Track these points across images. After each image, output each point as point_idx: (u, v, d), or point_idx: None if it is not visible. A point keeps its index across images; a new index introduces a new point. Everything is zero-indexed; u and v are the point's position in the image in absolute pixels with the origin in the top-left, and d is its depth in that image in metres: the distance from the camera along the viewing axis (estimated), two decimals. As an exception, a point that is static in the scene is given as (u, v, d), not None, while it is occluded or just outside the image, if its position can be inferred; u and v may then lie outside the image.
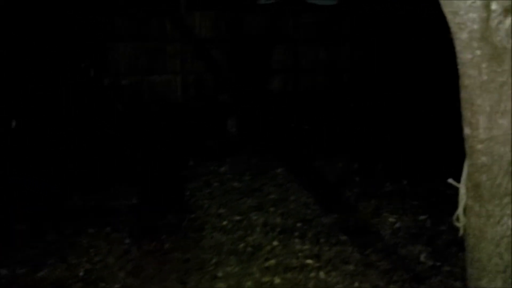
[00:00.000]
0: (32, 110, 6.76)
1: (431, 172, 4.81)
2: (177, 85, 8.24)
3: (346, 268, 3.27)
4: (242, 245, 3.69)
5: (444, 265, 3.25)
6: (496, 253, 1.95)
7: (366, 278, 3.15)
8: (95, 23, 7.64)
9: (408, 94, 7.82)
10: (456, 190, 2.04)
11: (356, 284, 3.09)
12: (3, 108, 6.40)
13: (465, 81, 1.77)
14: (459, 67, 1.76)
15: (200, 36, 8.41)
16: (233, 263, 3.41)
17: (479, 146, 1.83)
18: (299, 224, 3.95)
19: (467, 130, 1.85)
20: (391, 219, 3.95)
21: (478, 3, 1.61)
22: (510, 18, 1.62)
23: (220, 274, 3.29)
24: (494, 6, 1.61)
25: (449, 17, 1.68)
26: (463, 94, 1.80)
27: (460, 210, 2.07)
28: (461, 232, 2.10)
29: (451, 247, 3.40)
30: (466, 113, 1.82)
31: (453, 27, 1.69)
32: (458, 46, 1.71)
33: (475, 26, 1.64)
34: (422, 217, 3.91)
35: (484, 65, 1.69)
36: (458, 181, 2.04)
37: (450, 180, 2.10)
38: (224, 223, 4.10)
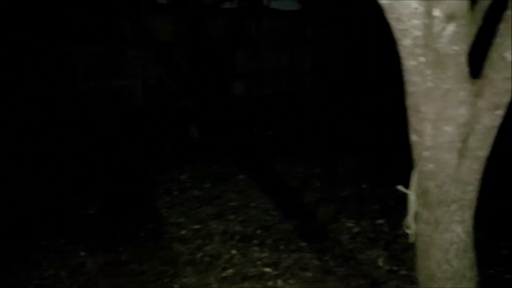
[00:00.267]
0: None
1: (390, 176, 4.86)
2: (137, 89, 8.09)
3: (305, 275, 3.24)
4: (200, 255, 3.61)
5: (401, 270, 3.27)
6: (445, 259, 1.95)
7: (324, 284, 3.13)
8: (54, 27, 7.42)
9: (370, 97, 7.92)
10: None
11: (314, 291, 3.06)
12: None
13: (410, 88, 1.76)
14: (404, 73, 1.75)
15: (161, 40, 8.29)
16: (190, 274, 3.33)
17: (426, 153, 1.82)
18: (258, 231, 3.90)
19: (413, 137, 1.84)
20: (350, 224, 3.95)
21: (421, 9, 1.60)
22: (452, 25, 1.62)
23: (176, 286, 3.20)
24: (436, 12, 1.60)
25: (393, 23, 1.66)
26: (409, 101, 1.79)
27: (410, 217, 2.07)
28: (411, 239, 2.10)
29: (408, 252, 3.42)
30: (412, 120, 1.82)
31: (397, 34, 1.68)
32: (402, 53, 1.70)
33: (418, 33, 1.63)
34: (379, 221, 3.93)
35: (428, 72, 1.69)
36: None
37: (399, 187, 2.10)
38: (183, 232, 4.01)
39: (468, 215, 1.90)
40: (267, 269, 3.35)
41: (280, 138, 6.75)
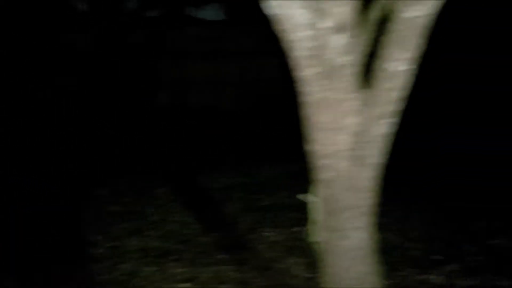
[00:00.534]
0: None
1: (308, 183, 4.93)
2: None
3: (222, 288, 3.20)
4: (116, 273, 3.46)
5: (318, 276, 3.30)
6: (347, 266, 1.98)
7: (242, 297, 3.10)
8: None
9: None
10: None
11: (232, 304, 3.02)
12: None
13: (303, 98, 1.77)
14: (297, 84, 1.77)
15: (82, 50, 7.99)
16: (103, 295, 3.17)
17: (322, 162, 1.85)
18: (177, 246, 3.80)
19: (309, 146, 1.86)
20: (268, 233, 3.96)
21: (309, 21, 1.62)
22: (341, 36, 1.65)
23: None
24: (325, 24, 1.62)
25: (282, 35, 1.67)
26: (303, 111, 1.81)
27: (312, 226, 2.09)
28: (316, 247, 2.12)
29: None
30: (307, 130, 1.83)
31: (287, 45, 1.69)
32: (294, 64, 1.72)
33: (308, 44, 1.65)
34: (296, 229, 3.97)
35: (319, 83, 1.71)
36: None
37: (300, 196, 2.12)
38: (100, 251, 3.82)
39: (367, 221, 1.94)
40: (185, 285, 3.27)
41: (202, 148, 6.67)
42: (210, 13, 10.06)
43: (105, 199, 4.93)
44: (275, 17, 1.63)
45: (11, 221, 4.34)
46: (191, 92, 8.83)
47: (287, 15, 1.60)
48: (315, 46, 1.64)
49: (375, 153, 1.82)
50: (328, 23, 1.60)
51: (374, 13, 1.80)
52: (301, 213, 4.25)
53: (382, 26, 1.71)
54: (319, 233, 2.05)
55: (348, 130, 1.77)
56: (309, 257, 3.53)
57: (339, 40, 1.63)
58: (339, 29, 1.61)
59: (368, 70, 1.80)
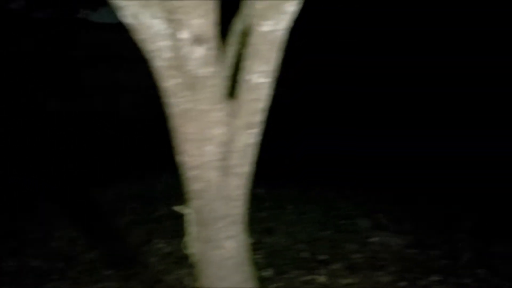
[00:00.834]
0: None
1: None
2: None
3: (108, 306, 3.06)
4: (-11, 299, 3.17)
5: None
6: (221, 276, 1.98)
7: (128, 313, 2.98)
8: None
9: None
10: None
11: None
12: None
13: (169, 109, 1.75)
14: (162, 95, 1.74)
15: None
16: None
17: (191, 173, 1.83)
18: (60, 265, 3.57)
19: (179, 158, 1.84)
20: (161, 245, 3.88)
21: (167, 31, 1.60)
22: (201, 48, 1.65)
23: None
24: (183, 35, 1.61)
25: (141, 45, 1.63)
26: (171, 123, 1.78)
27: (188, 236, 2.06)
28: (192, 259, 2.10)
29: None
30: (176, 141, 1.81)
31: (148, 55, 1.65)
32: (156, 75, 1.68)
33: (168, 55, 1.63)
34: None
35: (183, 94, 1.69)
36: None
37: (175, 207, 2.09)
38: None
39: (239, 230, 1.96)
40: (66, 305, 3.08)
41: (93, 158, 6.37)
42: (105, 16, 9.68)
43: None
44: (132, 26, 1.58)
45: None
46: (85, 98, 8.41)
47: (143, 24, 1.56)
48: (175, 57, 1.62)
49: (243, 162, 1.84)
50: (186, 34, 1.59)
51: (237, 26, 1.83)
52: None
53: (244, 38, 1.74)
54: (193, 244, 2.03)
55: (215, 140, 1.77)
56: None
57: (199, 52, 1.62)
58: (197, 40, 1.60)
59: (234, 82, 1.82)
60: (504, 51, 6.69)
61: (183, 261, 3.62)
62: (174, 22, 1.58)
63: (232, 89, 1.84)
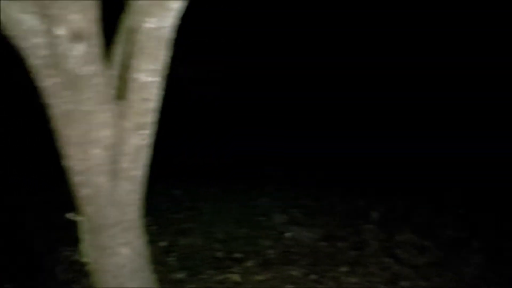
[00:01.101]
0: None
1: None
2: None
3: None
4: None
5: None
6: (118, 283, 1.89)
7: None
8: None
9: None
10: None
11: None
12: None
13: (50, 110, 1.63)
14: (41, 95, 1.62)
15: None
16: None
17: (78, 178, 1.73)
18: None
19: (64, 162, 1.73)
20: (68, 253, 3.68)
21: (41, 27, 1.49)
22: (81, 45, 1.55)
23: None
24: (60, 31, 1.50)
25: (16, 42, 1.51)
26: (53, 125, 1.67)
27: (83, 245, 1.96)
28: (88, 267, 1.99)
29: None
30: (60, 145, 1.70)
31: (23, 53, 1.53)
32: (34, 73, 1.57)
33: (44, 52, 1.52)
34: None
35: (64, 94, 1.59)
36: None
37: (68, 215, 1.97)
38: None
39: (134, 236, 1.88)
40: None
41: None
42: None
43: None
44: (3, 22, 1.46)
45: None
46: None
47: (13, 20, 1.44)
48: (52, 55, 1.51)
49: (134, 166, 1.76)
50: (63, 30, 1.48)
51: (124, 23, 1.74)
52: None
53: (131, 36, 1.67)
54: (87, 252, 1.93)
55: (102, 143, 1.68)
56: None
57: (79, 49, 1.52)
58: (76, 37, 1.50)
59: (122, 81, 1.74)
60: (460, 51, 6.94)
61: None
62: (48, 18, 1.47)
63: (122, 89, 1.76)
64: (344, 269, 3.40)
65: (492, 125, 6.18)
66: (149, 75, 1.64)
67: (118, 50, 1.77)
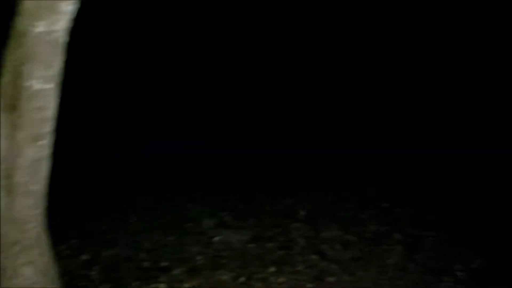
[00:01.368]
0: None
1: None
2: None
3: None
4: None
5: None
6: (22, 306, 1.77)
7: None
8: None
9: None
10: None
11: None
12: None
13: None
14: None
15: None
16: None
17: (-32, 197, 1.59)
18: None
19: (-50, 180, 1.58)
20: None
21: None
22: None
23: None
24: None
25: None
26: None
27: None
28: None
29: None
30: None
31: None
32: None
33: None
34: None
35: None
36: None
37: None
38: None
39: (37, 254, 1.76)
40: None
41: None
42: None
43: None
44: None
45: None
46: None
47: None
48: None
49: (33, 179, 1.65)
50: None
51: (15, 27, 1.63)
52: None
53: (21, 41, 1.55)
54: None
55: (-7, 157, 1.56)
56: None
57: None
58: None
59: (15, 89, 1.62)
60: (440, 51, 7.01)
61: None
62: None
63: (15, 98, 1.63)
64: (272, 269, 3.41)
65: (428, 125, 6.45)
66: (43, 82, 1.54)
67: (10, 56, 1.65)
